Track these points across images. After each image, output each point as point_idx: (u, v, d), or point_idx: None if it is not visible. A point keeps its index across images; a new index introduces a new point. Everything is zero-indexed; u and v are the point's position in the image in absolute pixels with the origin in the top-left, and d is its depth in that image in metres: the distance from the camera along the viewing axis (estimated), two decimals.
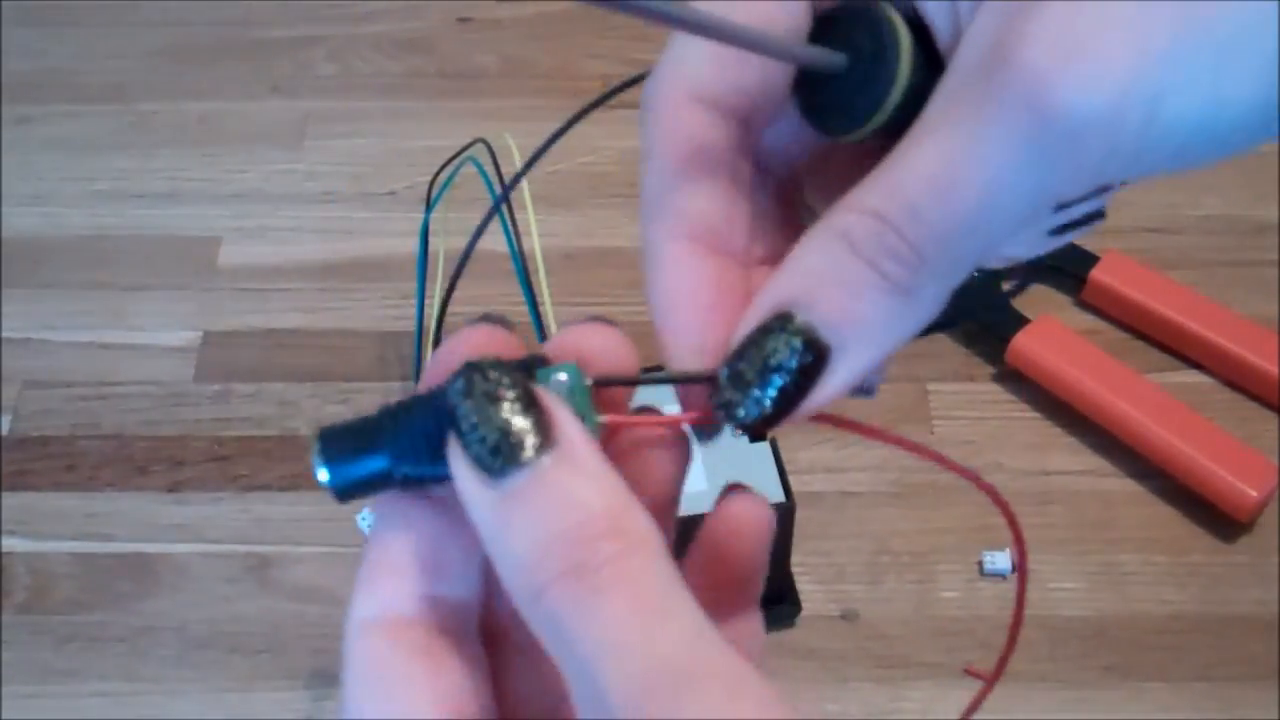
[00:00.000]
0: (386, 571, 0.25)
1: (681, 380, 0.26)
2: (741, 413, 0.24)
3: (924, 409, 0.67)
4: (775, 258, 0.25)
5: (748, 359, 0.24)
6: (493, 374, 0.23)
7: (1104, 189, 0.25)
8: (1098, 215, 0.27)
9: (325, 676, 0.59)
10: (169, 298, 0.73)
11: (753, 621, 0.28)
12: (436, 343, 0.58)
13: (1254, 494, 0.60)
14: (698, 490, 0.47)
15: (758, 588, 0.28)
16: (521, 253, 0.56)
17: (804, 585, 0.61)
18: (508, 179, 0.57)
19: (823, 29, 0.25)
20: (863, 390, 0.26)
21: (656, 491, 0.26)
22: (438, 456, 0.23)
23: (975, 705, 0.32)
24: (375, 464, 0.24)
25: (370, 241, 0.75)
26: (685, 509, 0.28)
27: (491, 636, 0.26)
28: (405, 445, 0.24)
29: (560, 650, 0.22)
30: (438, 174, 0.59)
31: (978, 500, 0.67)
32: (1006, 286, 0.70)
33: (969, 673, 0.58)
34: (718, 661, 0.21)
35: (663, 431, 0.26)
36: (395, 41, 0.86)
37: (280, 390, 0.69)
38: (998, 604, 0.60)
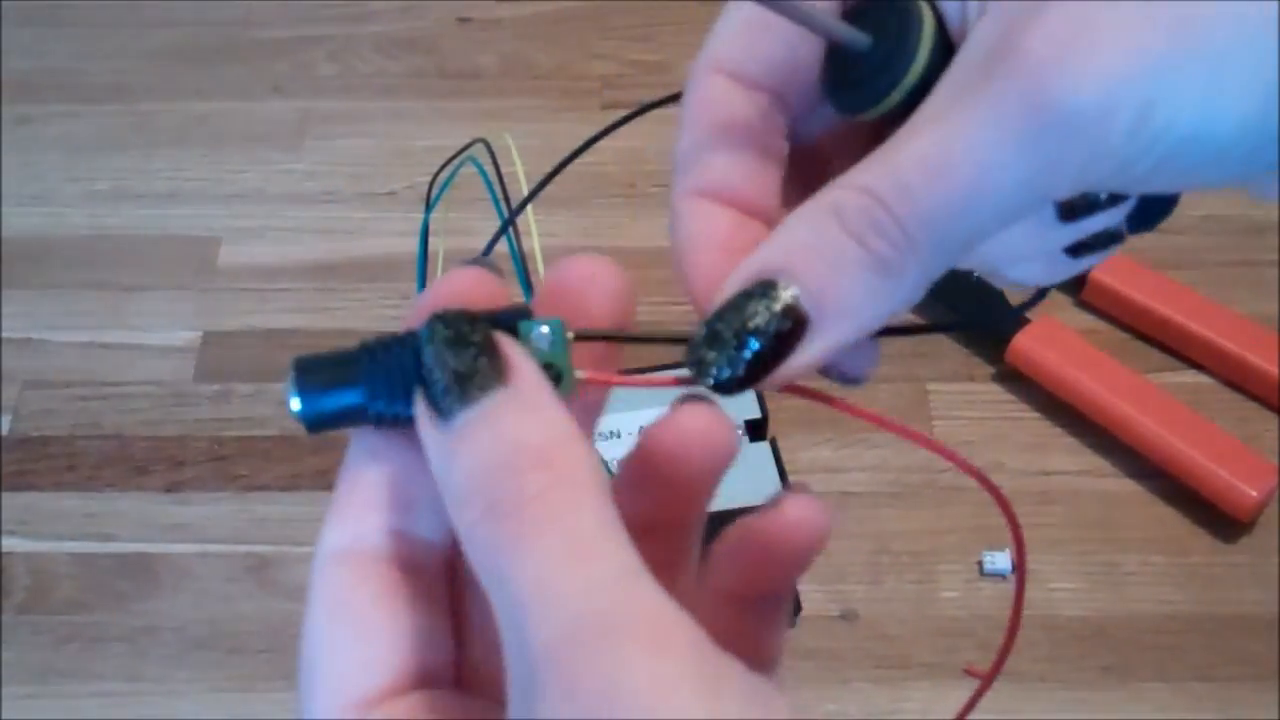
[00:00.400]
0: (356, 503, 0.25)
1: (663, 339, 0.26)
2: (714, 370, 0.24)
3: (924, 409, 0.67)
4: None
5: (726, 320, 0.24)
6: (455, 323, 0.23)
7: (1114, 201, 0.25)
8: (1116, 238, 0.27)
9: None
10: (169, 298, 0.73)
11: (778, 614, 0.27)
12: None
13: (1254, 494, 0.60)
14: None
15: (789, 588, 0.28)
16: (521, 253, 0.56)
17: (804, 585, 0.61)
18: (507, 179, 0.57)
19: (856, 13, 0.26)
20: (851, 379, 0.26)
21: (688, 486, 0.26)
22: (411, 397, 0.24)
23: (971, 704, 0.31)
24: (349, 398, 0.24)
25: (370, 241, 0.75)
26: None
27: (458, 582, 0.26)
28: (380, 382, 0.24)
29: (490, 589, 0.22)
30: (438, 174, 0.59)
31: (978, 500, 0.67)
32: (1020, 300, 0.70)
33: (969, 673, 0.58)
34: (645, 607, 0.21)
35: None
36: (395, 41, 0.86)
37: (280, 390, 0.69)
38: (998, 604, 0.60)
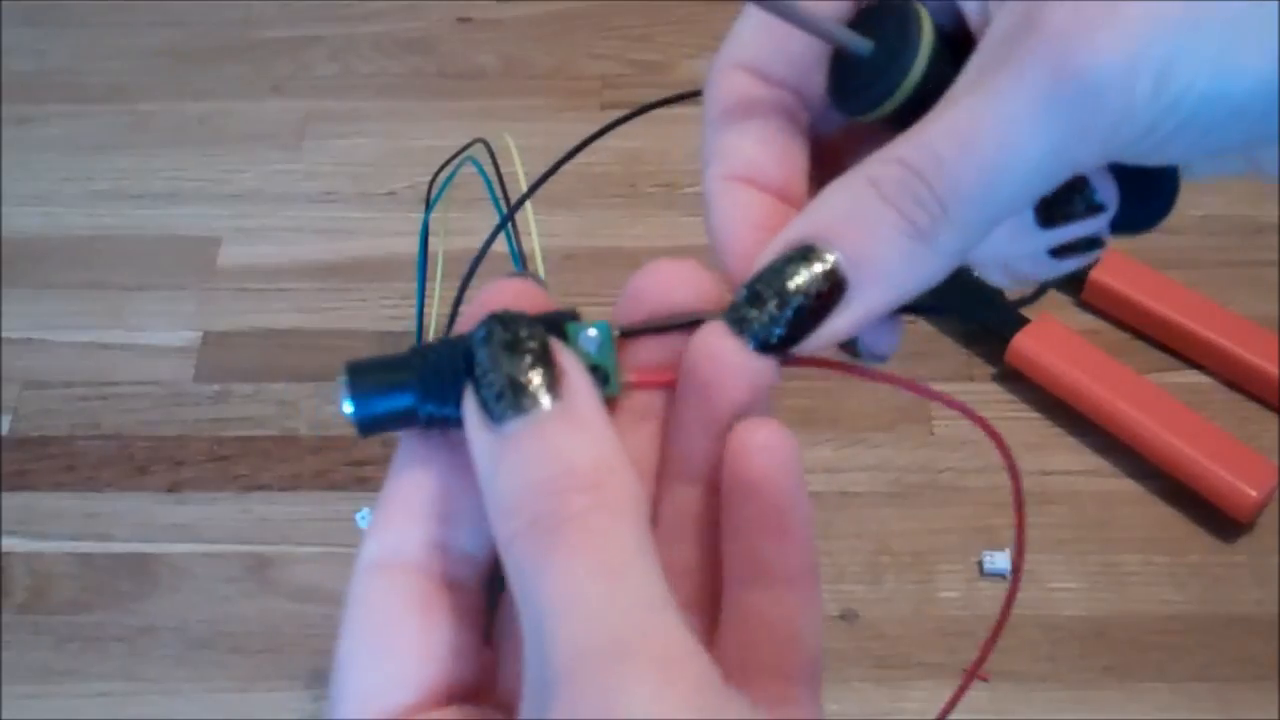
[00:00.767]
0: (399, 512, 0.25)
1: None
2: (756, 327, 0.24)
3: (924, 409, 0.67)
4: None
5: (767, 280, 0.24)
6: (513, 325, 0.23)
7: (1092, 210, 0.25)
8: (1097, 243, 0.27)
9: (325, 676, 0.59)
10: (169, 298, 0.73)
11: (802, 586, 0.26)
12: None
13: (1254, 494, 0.60)
14: None
15: (800, 540, 0.26)
16: (521, 253, 0.56)
17: None
18: (507, 179, 0.57)
19: (860, 20, 0.27)
20: (876, 355, 0.27)
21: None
22: (461, 400, 0.24)
23: (954, 702, 0.31)
24: (400, 400, 0.25)
25: (370, 241, 0.75)
26: None
27: (497, 598, 0.26)
28: (431, 385, 0.24)
29: (521, 600, 0.22)
30: (437, 174, 0.59)
31: (978, 500, 0.68)
32: (1016, 296, 0.70)
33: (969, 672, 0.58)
34: (661, 637, 0.21)
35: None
36: (395, 41, 0.86)
37: (280, 390, 0.69)
38: (998, 604, 0.60)
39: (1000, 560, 0.61)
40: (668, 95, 0.35)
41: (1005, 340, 0.67)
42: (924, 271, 0.24)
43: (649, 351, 0.26)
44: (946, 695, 0.58)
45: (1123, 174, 0.26)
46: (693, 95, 0.30)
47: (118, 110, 0.82)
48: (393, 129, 0.81)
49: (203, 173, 0.79)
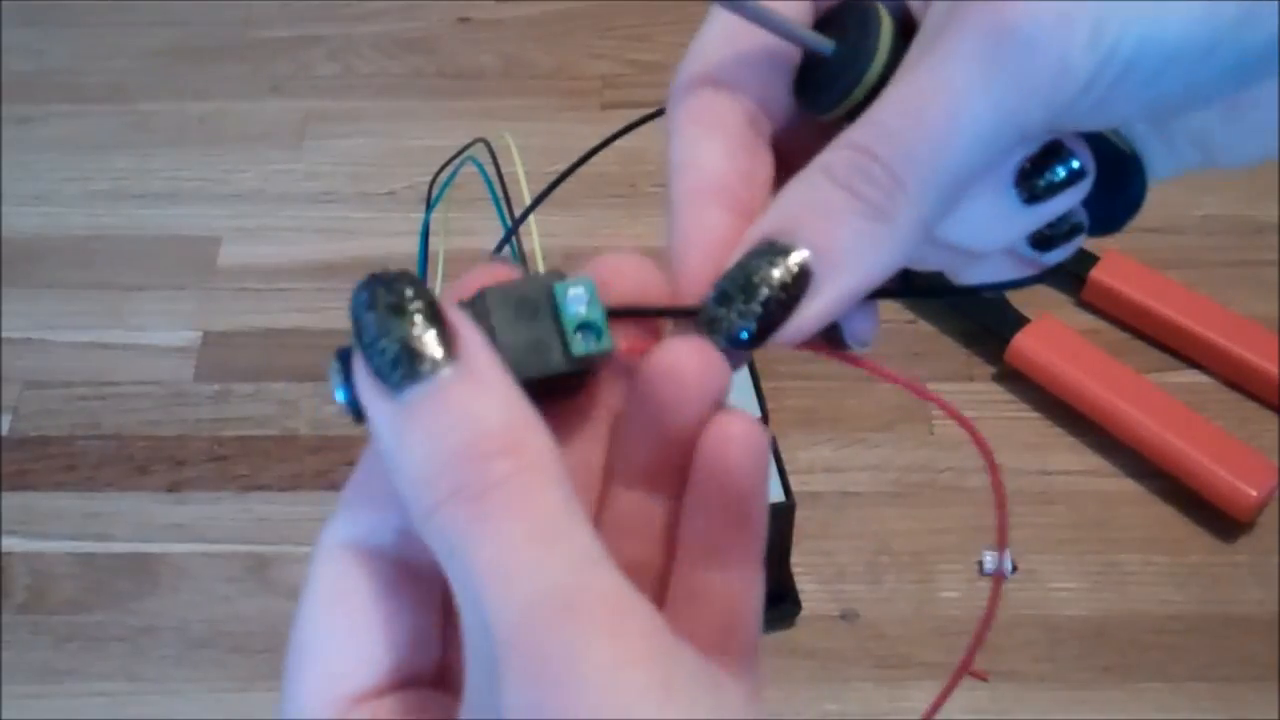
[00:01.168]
0: (368, 498, 0.25)
1: (685, 312, 0.26)
2: (726, 326, 0.25)
3: (924, 409, 0.67)
4: None
5: (733, 279, 0.25)
6: (397, 285, 0.23)
7: (1073, 179, 0.26)
8: (1078, 229, 0.28)
9: None
10: (169, 298, 0.73)
11: (750, 570, 0.26)
12: None
13: (1254, 494, 0.60)
14: None
15: (757, 527, 0.26)
16: (521, 253, 0.56)
17: (804, 585, 0.61)
18: (507, 179, 0.57)
19: (825, 21, 0.27)
20: (857, 341, 0.27)
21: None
22: None
23: (941, 699, 0.31)
24: None
25: (370, 241, 0.75)
26: None
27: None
28: None
29: (451, 572, 0.22)
30: (438, 174, 0.59)
31: (978, 500, 0.68)
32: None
33: (969, 672, 0.58)
34: (604, 589, 0.21)
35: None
36: (395, 41, 0.86)
37: (280, 390, 0.69)
38: (998, 603, 0.60)
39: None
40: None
41: (1005, 340, 0.67)
42: (889, 250, 0.24)
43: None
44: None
45: None
46: None
47: (118, 110, 0.82)
48: (393, 129, 0.81)
49: (203, 173, 0.79)
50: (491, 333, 0.24)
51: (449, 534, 0.22)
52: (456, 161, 0.58)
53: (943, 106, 0.23)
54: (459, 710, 0.23)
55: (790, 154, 0.29)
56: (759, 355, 0.53)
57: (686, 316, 0.26)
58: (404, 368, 0.22)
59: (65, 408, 0.68)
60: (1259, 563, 0.62)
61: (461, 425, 0.22)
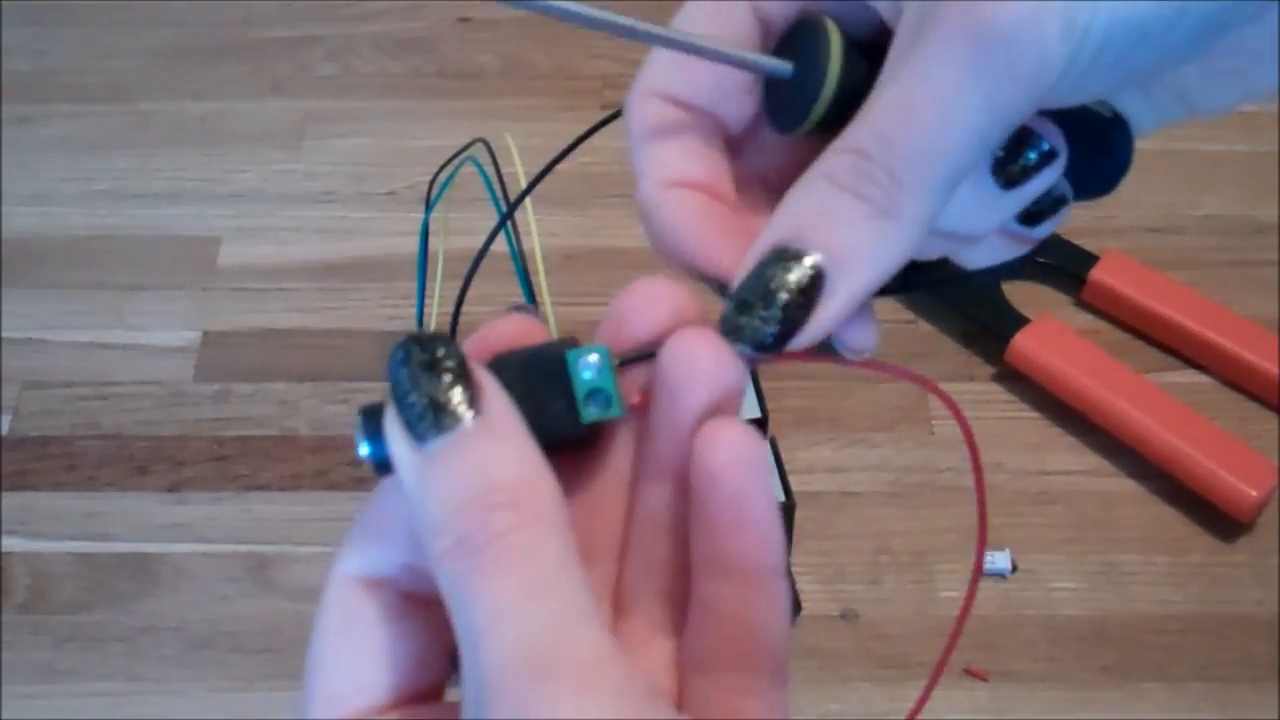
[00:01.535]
0: (377, 535, 0.26)
1: None
2: (750, 333, 0.25)
3: (924, 409, 0.67)
4: None
5: (750, 287, 0.26)
6: (430, 345, 0.24)
7: (1045, 160, 0.26)
8: (1062, 201, 0.28)
9: None
10: (169, 298, 0.73)
11: (763, 581, 0.26)
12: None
13: (1254, 494, 0.60)
14: None
15: (759, 533, 0.25)
16: (521, 253, 0.56)
17: (804, 585, 0.61)
18: (507, 179, 0.57)
19: (783, 43, 0.28)
20: (858, 347, 0.28)
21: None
22: None
23: (923, 700, 0.31)
24: None
25: (370, 241, 0.75)
26: None
27: None
28: None
29: (454, 617, 0.23)
30: (438, 174, 0.59)
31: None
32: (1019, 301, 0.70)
33: (969, 672, 0.58)
34: (583, 648, 0.22)
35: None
36: (395, 41, 0.86)
37: (280, 390, 0.69)
38: (998, 604, 0.60)
39: (1000, 560, 0.61)
40: None
41: (1005, 340, 0.67)
42: (896, 245, 0.25)
43: (644, 373, 0.27)
44: (947, 695, 0.58)
45: (1071, 133, 0.27)
46: None
47: (118, 110, 0.82)
48: (393, 129, 0.81)
49: (203, 173, 0.79)
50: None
51: (452, 581, 0.23)
52: (456, 161, 0.58)
53: (933, 106, 0.24)
54: None
55: (769, 168, 0.30)
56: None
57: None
58: (431, 419, 0.24)
59: (65, 408, 0.68)
60: (1259, 563, 0.62)
61: (475, 476, 0.23)
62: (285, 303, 0.73)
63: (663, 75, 0.29)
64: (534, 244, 0.59)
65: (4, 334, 0.71)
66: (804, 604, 0.60)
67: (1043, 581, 0.61)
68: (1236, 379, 0.67)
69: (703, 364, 0.26)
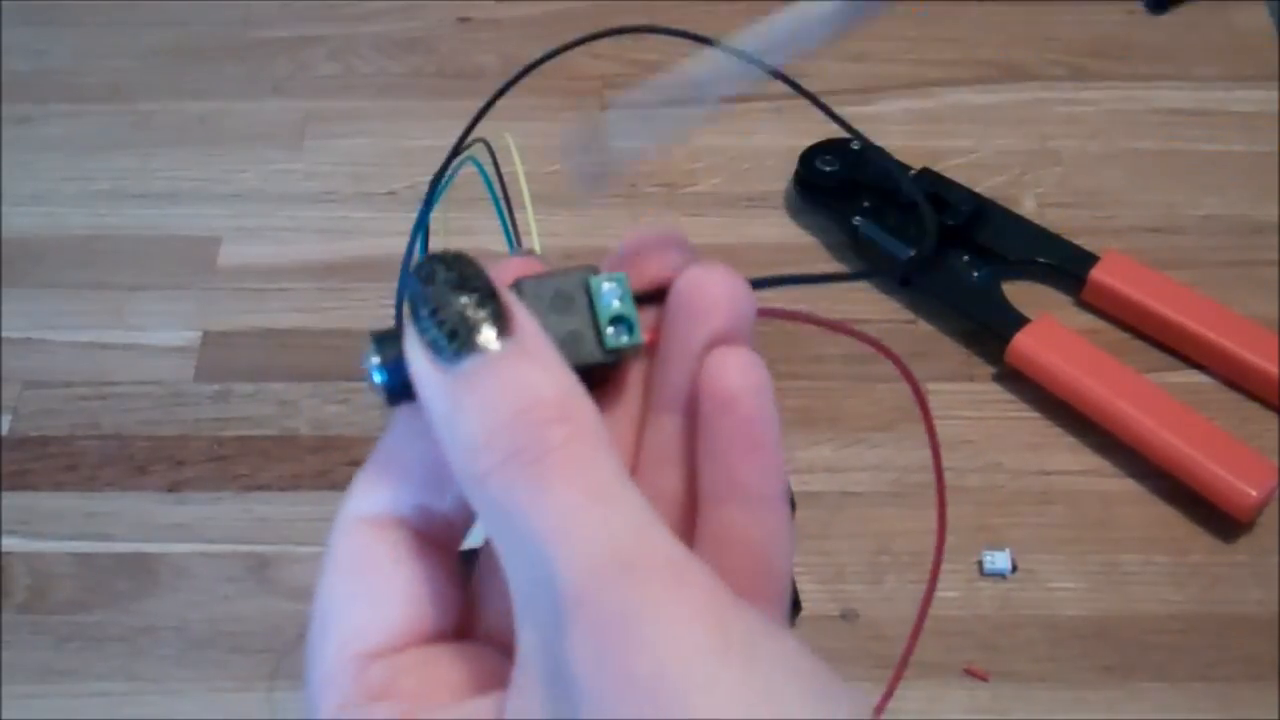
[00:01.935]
0: (390, 474, 0.26)
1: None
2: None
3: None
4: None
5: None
6: (457, 264, 0.24)
7: None
8: None
9: None
10: (169, 298, 0.73)
11: (773, 508, 0.26)
12: None
13: (1254, 494, 0.60)
14: None
15: (771, 457, 0.26)
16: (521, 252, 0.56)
17: (804, 585, 0.61)
18: (508, 179, 0.57)
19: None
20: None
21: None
22: None
23: (888, 695, 0.32)
24: None
25: (370, 241, 0.75)
26: None
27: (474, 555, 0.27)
28: None
29: (505, 534, 0.23)
30: (438, 174, 0.59)
31: (978, 500, 0.67)
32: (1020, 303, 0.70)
33: (969, 672, 0.58)
34: (664, 549, 0.22)
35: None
36: (395, 41, 0.86)
37: (280, 390, 0.69)
38: (998, 604, 0.60)
39: (1000, 560, 0.61)
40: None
41: (1005, 340, 0.67)
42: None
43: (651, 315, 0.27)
44: (946, 695, 0.58)
45: None
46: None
47: (118, 110, 0.82)
48: (393, 129, 0.81)
49: (203, 173, 0.79)
50: None
51: (506, 497, 0.22)
52: (457, 161, 0.58)
53: None
54: (492, 661, 0.24)
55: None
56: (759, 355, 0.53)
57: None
58: (461, 339, 0.23)
59: (65, 408, 0.68)
60: (1259, 563, 0.62)
61: (518, 393, 0.23)
62: (285, 303, 0.73)
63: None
64: (534, 244, 0.59)
65: (4, 334, 0.71)
66: (804, 604, 0.60)
67: (1043, 581, 0.61)
68: (1236, 379, 0.67)
69: (719, 288, 0.25)
